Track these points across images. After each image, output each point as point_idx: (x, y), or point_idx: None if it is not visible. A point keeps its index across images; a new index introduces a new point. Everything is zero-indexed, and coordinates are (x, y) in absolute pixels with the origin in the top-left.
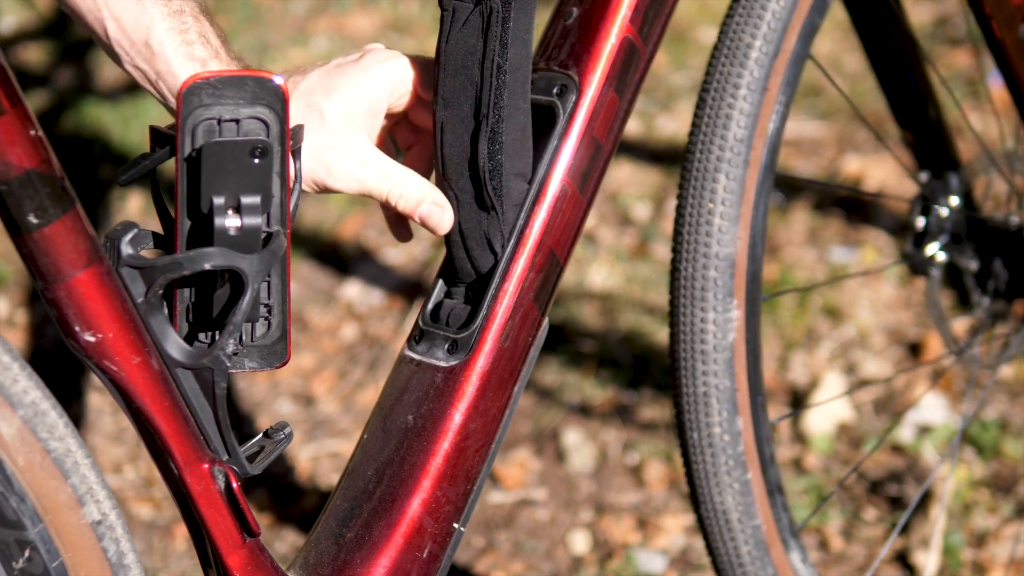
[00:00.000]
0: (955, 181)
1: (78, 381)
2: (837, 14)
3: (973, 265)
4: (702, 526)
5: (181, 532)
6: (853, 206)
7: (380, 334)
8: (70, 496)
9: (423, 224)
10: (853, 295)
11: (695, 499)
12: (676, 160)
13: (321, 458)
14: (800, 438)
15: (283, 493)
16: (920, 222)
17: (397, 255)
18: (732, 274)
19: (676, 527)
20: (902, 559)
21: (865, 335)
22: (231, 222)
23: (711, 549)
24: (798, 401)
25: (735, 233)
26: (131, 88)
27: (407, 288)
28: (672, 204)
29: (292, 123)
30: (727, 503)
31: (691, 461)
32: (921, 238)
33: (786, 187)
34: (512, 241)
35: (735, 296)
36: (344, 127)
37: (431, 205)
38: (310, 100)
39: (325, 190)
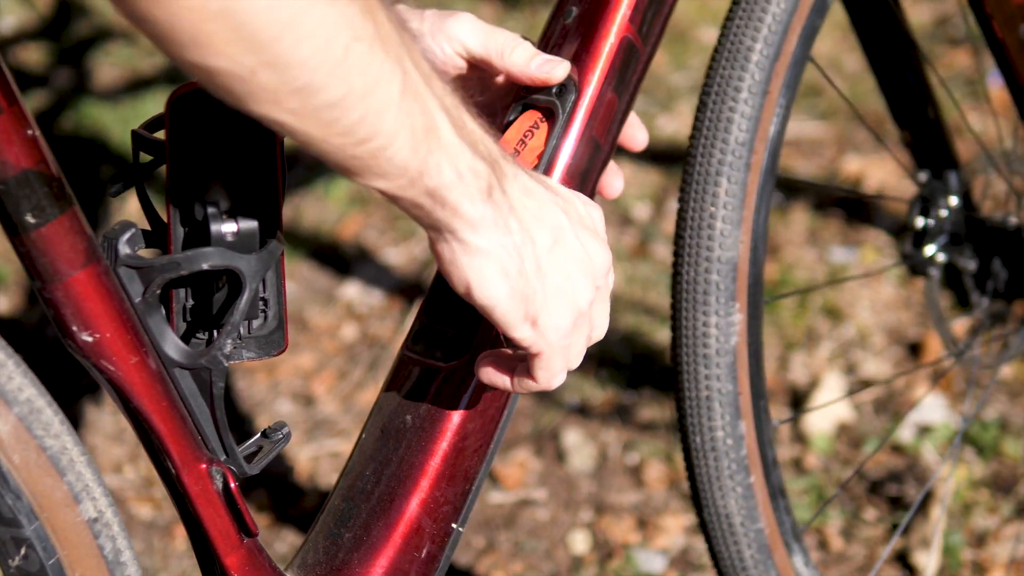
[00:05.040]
0: (954, 181)
1: (79, 381)
2: (837, 15)
3: (972, 265)
4: (705, 530)
5: (181, 532)
6: (853, 206)
7: (380, 334)
8: (66, 494)
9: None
10: (853, 295)
11: (697, 503)
12: (676, 160)
13: (321, 458)
14: (800, 438)
15: (283, 493)
16: (919, 222)
17: (397, 255)
18: (734, 278)
19: (676, 527)
20: (902, 559)
21: (865, 335)
22: (227, 227)
23: (714, 553)
24: (798, 401)
25: (737, 237)
26: (130, 88)
27: (407, 288)
28: (672, 204)
29: None
30: (730, 507)
31: (694, 465)
32: (920, 238)
33: (786, 187)
34: None
35: (737, 300)
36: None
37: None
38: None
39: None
